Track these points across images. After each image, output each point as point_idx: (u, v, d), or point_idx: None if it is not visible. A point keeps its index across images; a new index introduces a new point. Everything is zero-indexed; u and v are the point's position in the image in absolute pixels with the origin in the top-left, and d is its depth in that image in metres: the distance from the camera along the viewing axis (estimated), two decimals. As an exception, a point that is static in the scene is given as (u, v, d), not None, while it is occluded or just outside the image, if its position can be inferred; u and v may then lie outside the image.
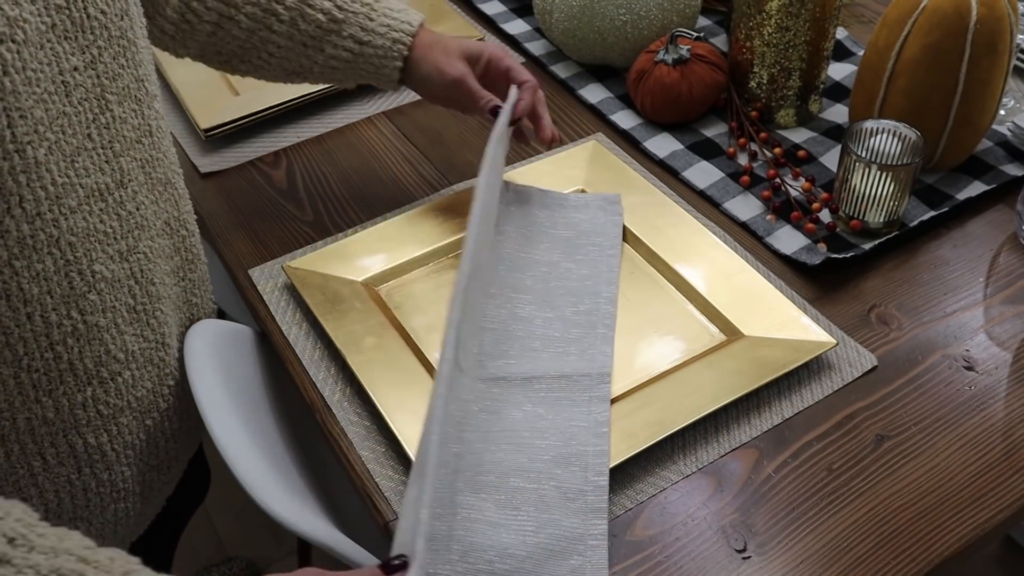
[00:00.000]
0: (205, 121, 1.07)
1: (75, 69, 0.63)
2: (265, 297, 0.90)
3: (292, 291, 0.90)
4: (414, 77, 0.91)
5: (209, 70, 1.16)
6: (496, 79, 0.93)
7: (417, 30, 0.91)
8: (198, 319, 0.84)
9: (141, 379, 0.74)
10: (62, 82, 0.62)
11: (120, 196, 0.68)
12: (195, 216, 0.83)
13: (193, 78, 1.14)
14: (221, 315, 1.05)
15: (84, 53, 0.63)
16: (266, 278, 0.92)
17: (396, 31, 0.89)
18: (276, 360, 0.88)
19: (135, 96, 0.70)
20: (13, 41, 0.56)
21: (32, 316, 0.64)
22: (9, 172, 0.58)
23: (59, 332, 0.66)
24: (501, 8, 1.31)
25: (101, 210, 0.67)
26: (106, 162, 0.67)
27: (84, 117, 0.64)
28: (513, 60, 0.94)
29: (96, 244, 0.67)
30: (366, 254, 0.92)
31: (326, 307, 0.86)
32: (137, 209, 0.71)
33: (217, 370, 0.80)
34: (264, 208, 1.01)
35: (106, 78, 0.66)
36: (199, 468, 1.04)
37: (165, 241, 0.76)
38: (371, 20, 0.89)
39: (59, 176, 0.62)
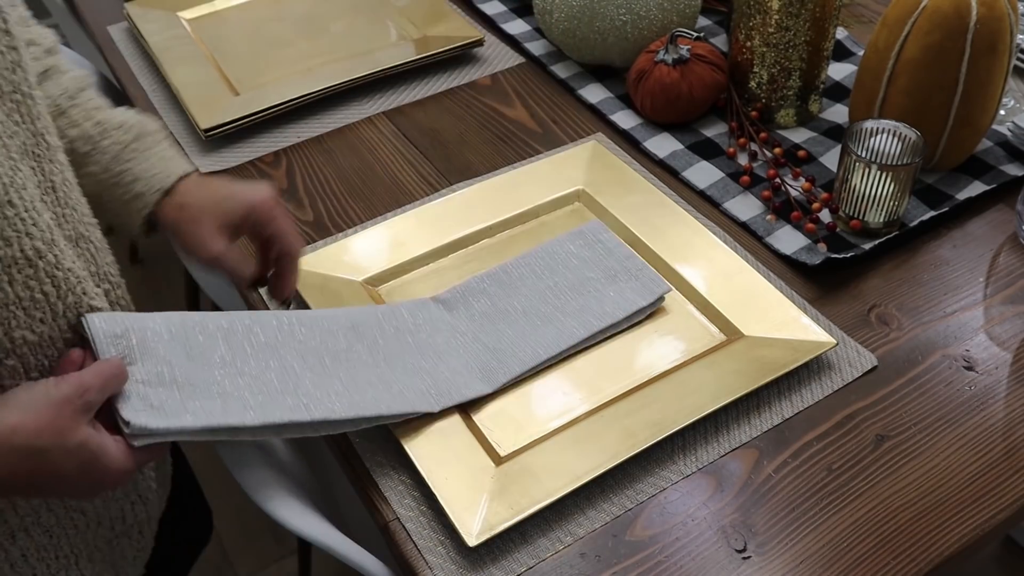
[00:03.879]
0: (205, 121, 1.07)
1: None
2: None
3: (292, 291, 0.90)
4: (171, 238, 0.80)
5: (209, 70, 1.16)
6: (262, 245, 0.81)
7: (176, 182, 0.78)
8: None
9: None
10: None
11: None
12: (118, 267, 0.76)
13: (193, 78, 1.14)
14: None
15: None
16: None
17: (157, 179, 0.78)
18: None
19: (33, 152, 0.65)
20: None
21: None
22: None
23: None
24: (501, 8, 1.31)
25: (28, 277, 0.62)
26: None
27: None
28: (280, 222, 0.80)
29: (20, 312, 0.62)
30: (366, 254, 0.92)
31: (326, 307, 0.86)
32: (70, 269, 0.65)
33: None
34: (264, 208, 1.01)
35: (6, 136, 0.62)
36: (197, 508, 1.02)
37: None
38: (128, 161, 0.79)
39: None
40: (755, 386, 0.78)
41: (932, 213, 0.95)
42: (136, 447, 0.64)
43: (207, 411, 0.67)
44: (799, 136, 1.06)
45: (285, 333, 0.75)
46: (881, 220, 0.92)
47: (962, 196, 0.97)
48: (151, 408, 0.65)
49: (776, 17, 0.99)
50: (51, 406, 0.60)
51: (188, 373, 0.69)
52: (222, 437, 0.68)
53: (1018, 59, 1.11)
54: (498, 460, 0.74)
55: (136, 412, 0.64)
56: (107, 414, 0.64)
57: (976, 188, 0.98)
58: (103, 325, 0.67)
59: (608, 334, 0.84)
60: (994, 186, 0.98)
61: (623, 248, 0.90)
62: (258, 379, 0.71)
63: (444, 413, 0.77)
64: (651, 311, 0.86)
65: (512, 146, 1.07)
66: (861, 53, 1.16)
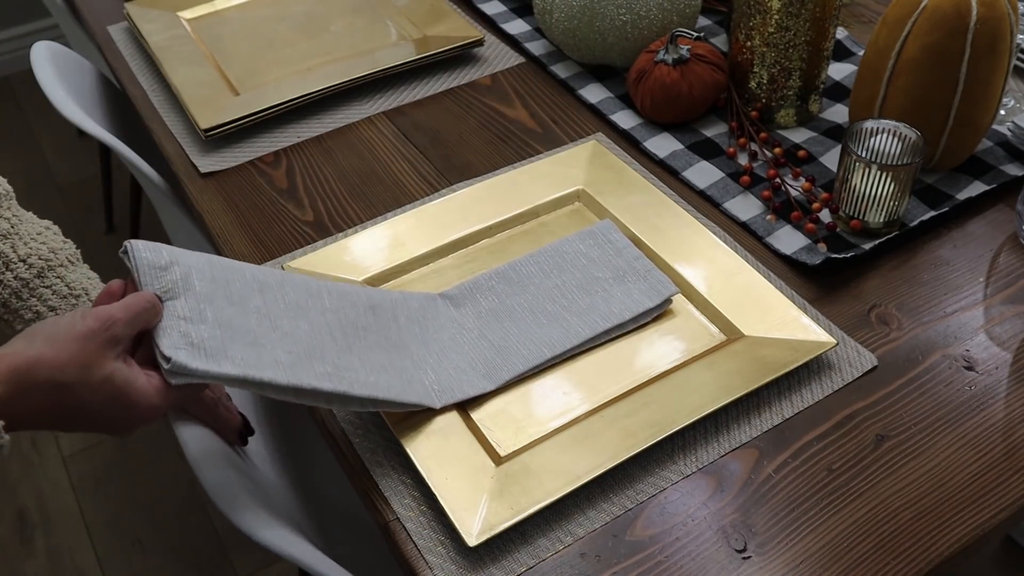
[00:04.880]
0: (205, 121, 1.07)
1: None
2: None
3: (292, 291, 0.90)
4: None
5: (209, 70, 1.16)
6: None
7: None
8: None
9: None
10: None
11: None
12: None
13: (193, 78, 1.14)
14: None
15: None
16: (266, 278, 0.92)
17: None
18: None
19: None
20: None
21: None
22: None
23: None
24: (501, 8, 1.31)
25: None
26: None
27: None
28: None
29: None
30: (366, 254, 0.92)
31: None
32: None
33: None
34: (264, 208, 1.01)
35: None
36: None
37: None
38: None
39: None
40: (755, 386, 0.78)
41: (932, 213, 0.95)
42: (171, 385, 0.63)
43: (245, 360, 0.66)
44: (799, 136, 1.06)
45: (314, 297, 0.75)
46: (881, 220, 0.92)
47: (962, 196, 0.97)
48: (191, 346, 0.64)
49: (776, 17, 0.99)
50: (74, 339, 0.59)
51: (228, 317, 0.68)
52: (251, 389, 0.67)
53: (1018, 59, 1.11)
54: (498, 460, 0.74)
55: (176, 349, 0.63)
56: (151, 351, 0.63)
57: (976, 188, 0.98)
58: (147, 255, 0.65)
59: (614, 335, 0.84)
60: (994, 186, 0.98)
61: (632, 249, 0.90)
62: (290, 336, 0.71)
63: (444, 412, 0.77)
64: (658, 313, 0.85)
65: (512, 146, 1.07)
66: (861, 53, 1.16)
